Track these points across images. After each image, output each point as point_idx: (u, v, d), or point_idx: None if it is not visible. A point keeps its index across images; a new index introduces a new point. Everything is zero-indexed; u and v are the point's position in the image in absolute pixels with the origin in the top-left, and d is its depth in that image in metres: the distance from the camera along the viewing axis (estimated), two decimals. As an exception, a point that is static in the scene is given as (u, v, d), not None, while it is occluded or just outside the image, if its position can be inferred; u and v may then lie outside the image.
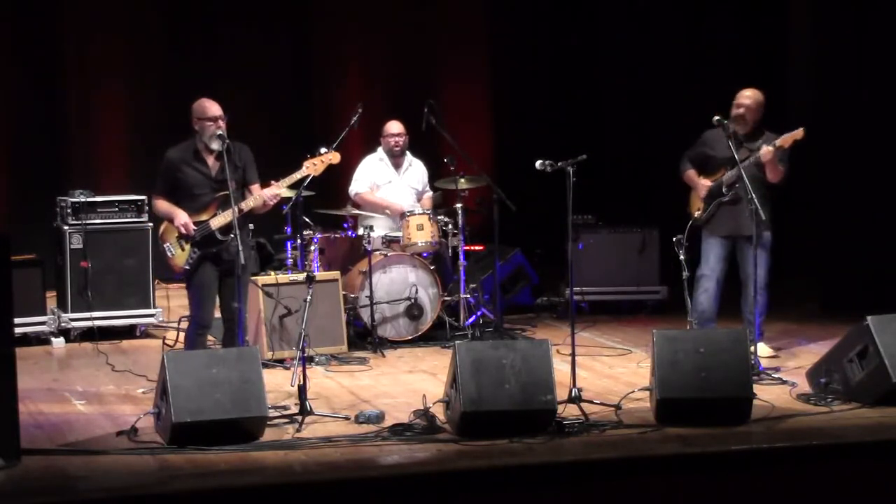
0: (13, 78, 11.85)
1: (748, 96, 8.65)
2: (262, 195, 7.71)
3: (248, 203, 7.70)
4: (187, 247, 7.62)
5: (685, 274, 8.30)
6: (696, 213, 8.76)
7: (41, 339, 9.52)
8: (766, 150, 8.45)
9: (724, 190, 8.64)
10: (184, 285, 7.92)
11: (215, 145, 7.58)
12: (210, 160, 7.68)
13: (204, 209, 7.65)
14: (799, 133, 8.46)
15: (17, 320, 6.75)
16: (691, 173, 8.90)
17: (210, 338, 8.71)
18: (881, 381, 7.24)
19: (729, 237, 8.70)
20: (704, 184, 8.77)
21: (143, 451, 6.51)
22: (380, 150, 10.02)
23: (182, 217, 7.59)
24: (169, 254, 7.68)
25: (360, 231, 9.54)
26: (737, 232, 8.63)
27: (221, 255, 7.64)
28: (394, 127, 9.94)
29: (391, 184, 9.94)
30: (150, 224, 9.50)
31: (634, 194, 12.46)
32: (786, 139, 8.47)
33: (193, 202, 7.66)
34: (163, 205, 7.72)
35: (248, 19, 12.45)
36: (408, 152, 10.02)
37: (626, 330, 9.92)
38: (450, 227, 9.66)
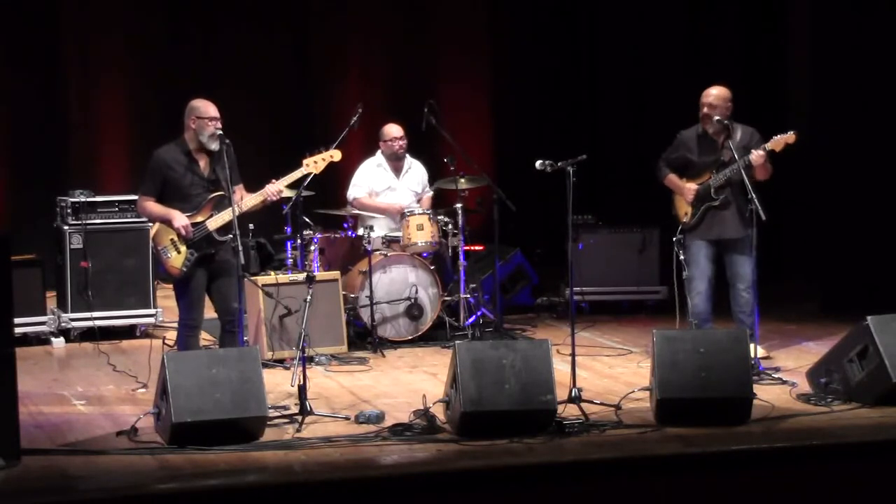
0: (13, 78, 11.85)
1: (712, 94, 8.54)
2: (261, 193, 7.70)
3: (250, 202, 7.69)
4: (183, 249, 7.58)
5: (685, 274, 8.30)
6: (685, 218, 8.68)
7: (41, 339, 9.52)
8: (757, 155, 8.38)
9: (713, 194, 8.57)
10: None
11: (214, 145, 7.57)
12: (202, 160, 7.66)
13: (198, 210, 7.61)
14: (791, 137, 8.39)
15: (17, 320, 6.75)
16: (672, 178, 8.78)
17: (209, 338, 8.74)
18: (881, 381, 7.24)
19: (715, 241, 8.65)
20: (690, 188, 8.66)
21: (143, 451, 6.51)
22: (378, 154, 9.99)
23: (181, 219, 7.54)
24: (165, 256, 7.62)
25: (360, 231, 9.54)
26: (724, 235, 8.58)
27: (215, 256, 7.63)
28: (395, 130, 9.90)
29: (391, 189, 9.91)
30: (151, 224, 9.48)
31: (634, 194, 12.45)
32: (777, 143, 8.40)
33: (186, 203, 7.60)
34: (155, 206, 7.64)
35: (248, 19, 12.45)
36: (407, 154, 10.01)
37: (626, 330, 9.92)
38: (450, 227, 9.66)
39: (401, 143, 9.87)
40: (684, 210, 8.73)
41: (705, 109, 8.52)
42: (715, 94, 8.55)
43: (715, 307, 8.72)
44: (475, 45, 13.04)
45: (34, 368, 8.64)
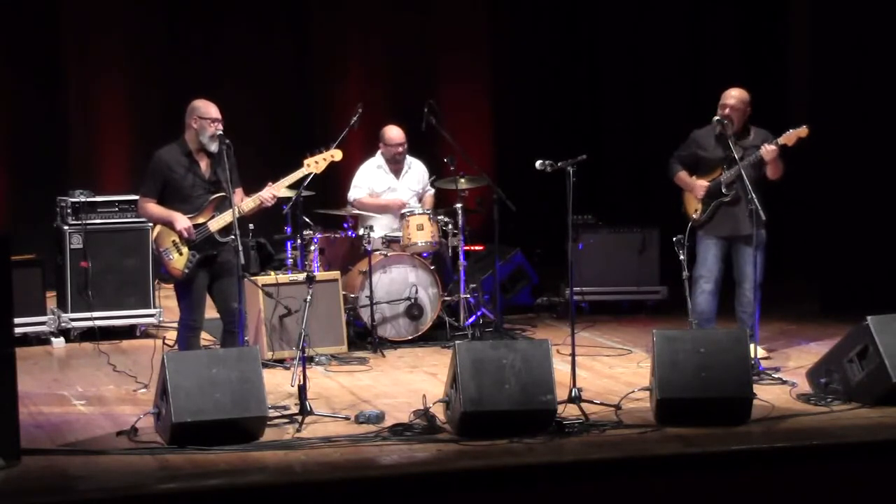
0: (13, 77, 11.84)
1: (733, 96, 8.58)
2: (257, 198, 7.70)
3: (249, 204, 7.69)
4: (185, 250, 7.58)
5: (685, 274, 8.30)
6: (695, 215, 8.73)
7: (41, 339, 9.51)
8: (768, 149, 8.41)
9: (723, 190, 8.61)
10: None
11: (213, 146, 7.56)
12: (203, 162, 7.66)
13: (200, 211, 7.61)
14: (803, 131, 8.42)
15: (17, 320, 6.75)
16: (683, 175, 8.83)
17: (210, 338, 8.73)
18: (881, 381, 7.24)
19: (727, 237, 8.67)
20: (702, 185, 8.71)
21: (143, 451, 6.51)
22: (378, 155, 9.96)
23: (183, 221, 7.54)
24: (167, 258, 7.61)
25: (360, 231, 9.53)
26: (736, 232, 8.61)
27: (217, 258, 7.63)
28: (396, 136, 9.82)
29: (391, 190, 9.90)
30: (151, 224, 9.48)
31: (634, 194, 12.46)
32: (790, 137, 8.43)
33: (188, 204, 7.60)
34: (156, 208, 7.63)
35: (249, 19, 12.45)
36: (407, 155, 9.99)
37: (626, 330, 9.92)
38: (450, 227, 9.66)
39: (399, 149, 9.83)
40: (694, 207, 8.75)
41: (727, 111, 8.53)
42: (736, 95, 8.58)
43: (719, 307, 8.72)
44: (475, 45, 13.03)
45: (34, 368, 8.64)
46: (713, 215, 8.67)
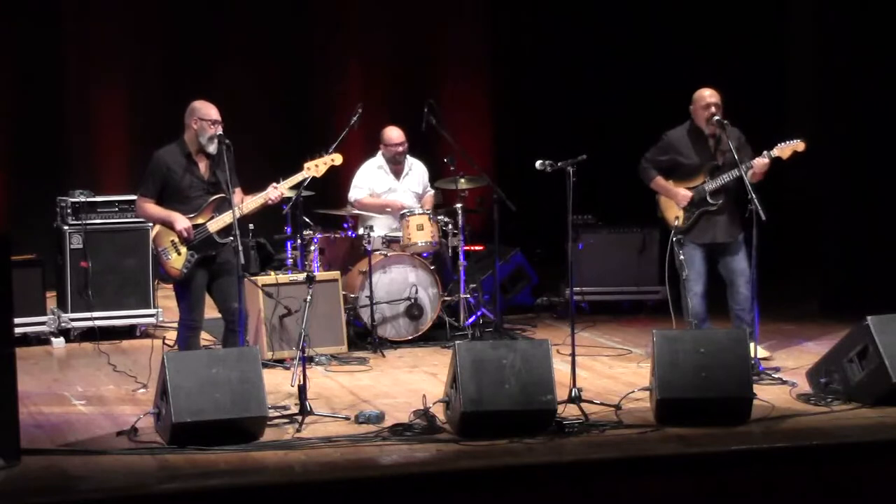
0: (13, 77, 11.85)
1: (714, 95, 8.50)
2: (263, 196, 7.70)
3: (249, 205, 7.69)
4: (184, 250, 7.58)
5: (685, 274, 8.30)
6: (676, 222, 8.61)
7: (41, 339, 9.52)
8: (761, 163, 8.36)
9: (709, 199, 8.53)
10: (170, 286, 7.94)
11: (212, 147, 7.57)
12: (202, 163, 7.66)
13: (199, 212, 7.62)
14: (799, 145, 8.36)
15: (17, 320, 6.76)
16: (661, 181, 8.72)
17: (210, 338, 8.73)
18: (881, 381, 7.24)
19: (709, 245, 8.60)
20: (685, 193, 8.62)
21: (143, 451, 6.51)
22: (379, 155, 9.96)
23: (182, 222, 7.55)
24: (165, 258, 7.62)
25: (360, 231, 9.54)
26: (716, 239, 8.56)
27: (216, 258, 7.63)
28: (394, 136, 9.84)
29: (391, 191, 9.89)
30: (151, 224, 9.48)
31: (634, 194, 12.43)
32: (784, 150, 8.38)
33: (186, 205, 7.61)
34: (155, 208, 7.65)
35: (249, 19, 12.45)
36: (407, 156, 9.99)
37: (626, 330, 9.92)
38: (450, 227, 9.66)
39: (400, 149, 9.84)
40: (674, 214, 8.66)
41: (713, 109, 8.47)
42: (715, 93, 8.52)
43: (710, 307, 8.72)
44: (475, 45, 13.04)
45: (34, 368, 8.64)
46: (696, 223, 8.59)
